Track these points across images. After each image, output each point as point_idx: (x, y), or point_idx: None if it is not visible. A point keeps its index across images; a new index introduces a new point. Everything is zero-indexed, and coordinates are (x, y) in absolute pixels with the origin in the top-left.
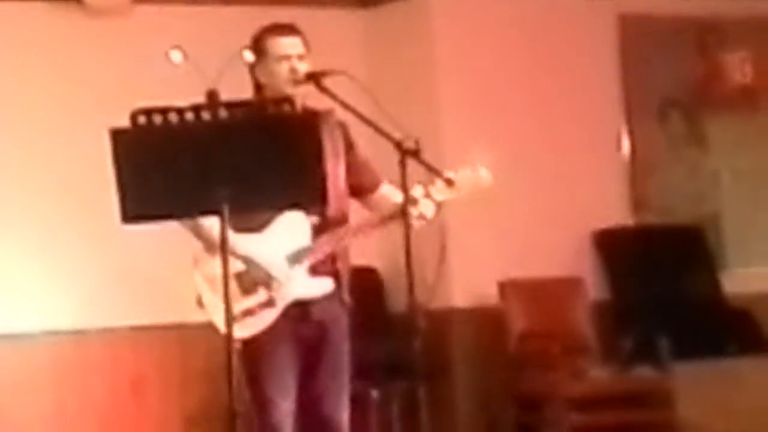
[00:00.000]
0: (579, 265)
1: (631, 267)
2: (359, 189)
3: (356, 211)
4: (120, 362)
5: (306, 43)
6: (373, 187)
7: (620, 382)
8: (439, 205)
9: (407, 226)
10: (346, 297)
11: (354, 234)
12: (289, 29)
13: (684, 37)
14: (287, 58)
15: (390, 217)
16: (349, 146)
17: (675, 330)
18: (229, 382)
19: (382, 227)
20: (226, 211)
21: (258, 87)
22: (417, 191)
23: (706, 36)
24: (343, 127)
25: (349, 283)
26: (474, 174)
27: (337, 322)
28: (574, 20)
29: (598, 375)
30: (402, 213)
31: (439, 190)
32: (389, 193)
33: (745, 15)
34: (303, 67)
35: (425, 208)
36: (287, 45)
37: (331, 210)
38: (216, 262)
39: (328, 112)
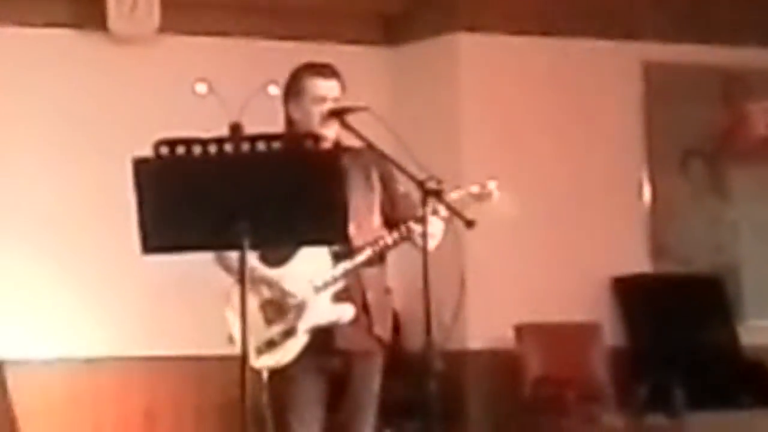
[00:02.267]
0: (596, 311)
1: (649, 315)
2: (398, 222)
3: None
4: (133, 392)
5: (343, 86)
6: (413, 219)
7: (634, 429)
8: (447, 223)
9: (425, 268)
10: (380, 331)
11: (368, 257)
12: (329, 71)
13: (708, 86)
14: (323, 100)
15: (401, 239)
16: (388, 180)
17: (690, 379)
18: (243, 416)
19: (394, 248)
20: (246, 245)
21: (290, 121)
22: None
23: (731, 86)
24: (379, 161)
25: (391, 320)
26: (481, 190)
27: (366, 356)
28: (598, 66)
29: (612, 422)
30: (419, 238)
31: (447, 207)
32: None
33: None
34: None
35: (433, 226)
36: (325, 87)
37: (360, 244)
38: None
39: (364, 149)
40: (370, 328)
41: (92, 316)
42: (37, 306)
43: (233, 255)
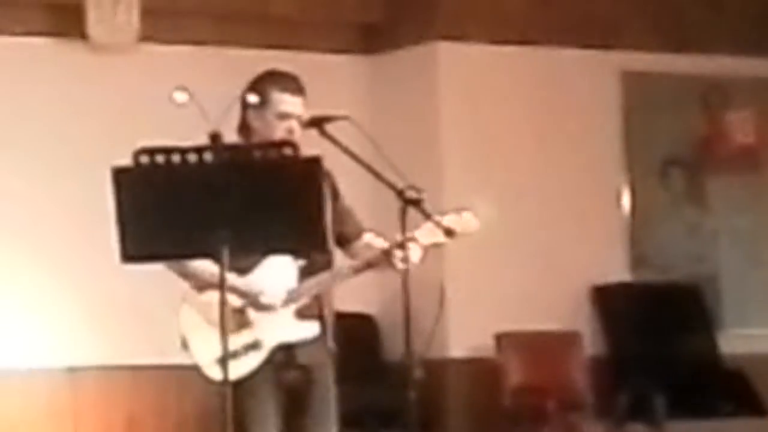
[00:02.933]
0: (576, 320)
1: (629, 323)
2: (342, 238)
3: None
4: (115, 402)
5: (305, 103)
6: (356, 236)
7: None
8: (425, 250)
9: (405, 275)
10: (331, 343)
11: (341, 278)
12: (296, 86)
13: (687, 95)
14: (288, 116)
15: (375, 262)
16: (335, 195)
17: (670, 388)
18: (224, 426)
19: (366, 271)
20: (225, 254)
21: (246, 127)
22: (401, 237)
23: (710, 95)
24: (328, 175)
25: (334, 329)
26: (458, 218)
27: (323, 368)
28: (577, 76)
29: (592, 431)
30: (396, 256)
31: (425, 235)
32: (372, 241)
33: (750, 75)
34: (298, 130)
35: (411, 252)
36: (293, 104)
37: (318, 255)
38: (203, 301)
39: None
40: (325, 341)
41: (73, 325)
42: (18, 315)
43: (192, 264)
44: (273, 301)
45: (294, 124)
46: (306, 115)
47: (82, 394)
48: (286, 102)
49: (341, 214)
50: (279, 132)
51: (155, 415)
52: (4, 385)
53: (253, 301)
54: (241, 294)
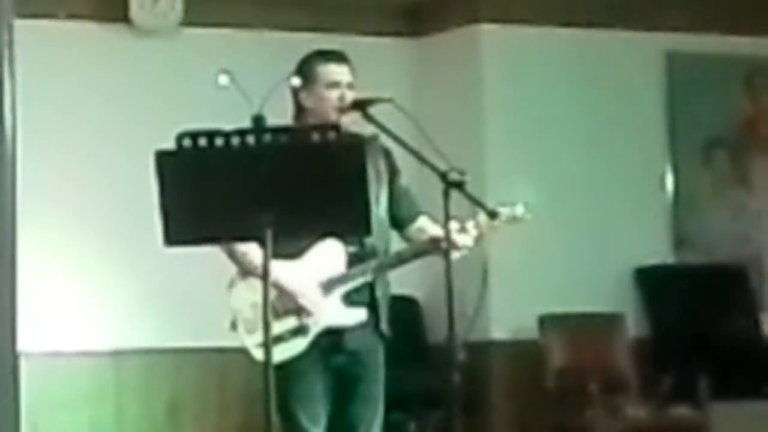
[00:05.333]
0: (619, 302)
1: (672, 305)
2: (399, 219)
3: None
4: (157, 384)
5: (353, 72)
6: (411, 219)
7: (658, 420)
8: (476, 239)
9: (448, 258)
10: (385, 327)
11: (387, 267)
12: (339, 56)
13: (732, 76)
14: (337, 85)
15: (424, 251)
16: (393, 173)
17: (714, 369)
18: (266, 409)
19: (416, 260)
20: (269, 237)
21: (300, 110)
22: (453, 225)
23: (754, 76)
24: (387, 153)
25: (388, 313)
26: (511, 210)
27: (373, 352)
28: (621, 57)
29: (636, 413)
30: (444, 244)
31: (476, 225)
32: (425, 226)
33: None
34: (350, 96)
35: (461, 241)
36: (339, 72)
37: (372, 239)
38: (249, 286)
39: (372, 138)
40: (377, 325)
41: (117, 309)
42: (61, 299)
43: (240, 248)
44: (307, 304)
45: (345, 91)
46: (355, 86)
47: (124, 377)
48: (332, 71)
49: (399, 195)
50: (332, 102)
51: (197, 398)
52: (49, 368)
53: (287, 301)
54: (277, 290)
